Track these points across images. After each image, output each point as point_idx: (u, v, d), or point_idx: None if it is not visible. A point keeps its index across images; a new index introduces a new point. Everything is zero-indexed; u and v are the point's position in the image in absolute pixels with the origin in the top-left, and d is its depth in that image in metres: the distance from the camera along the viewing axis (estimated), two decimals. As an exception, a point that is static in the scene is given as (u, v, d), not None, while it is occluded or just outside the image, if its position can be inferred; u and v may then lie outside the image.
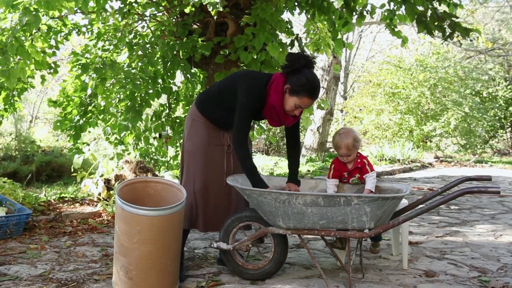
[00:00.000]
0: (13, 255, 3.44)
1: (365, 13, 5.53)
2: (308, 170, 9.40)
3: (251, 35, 4.75)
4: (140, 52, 4.94)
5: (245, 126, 2.88)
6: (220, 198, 3.07)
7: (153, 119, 5.66)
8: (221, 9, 5.00)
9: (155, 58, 5.02)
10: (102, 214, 4.81)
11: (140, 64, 5.02)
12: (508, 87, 16.34)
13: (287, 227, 2.71)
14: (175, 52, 4.99)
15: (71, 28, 5.70)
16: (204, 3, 5.02)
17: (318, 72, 11.64)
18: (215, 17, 5.30)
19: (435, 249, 3.64)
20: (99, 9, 4.87)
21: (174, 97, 5.69)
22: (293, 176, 3.14)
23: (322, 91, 11.38)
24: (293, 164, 3.16)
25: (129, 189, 2.73)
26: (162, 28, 5.40)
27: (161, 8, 5.47)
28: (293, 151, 3.19)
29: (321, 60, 11.69)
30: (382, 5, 5.42)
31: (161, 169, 6.35)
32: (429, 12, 4.52)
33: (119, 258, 2.59)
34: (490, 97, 16.40)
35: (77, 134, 5.57)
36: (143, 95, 5.03)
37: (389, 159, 11.67)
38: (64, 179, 9.25)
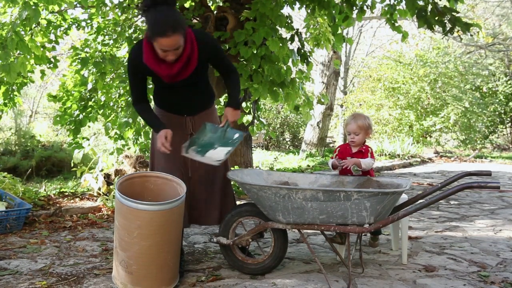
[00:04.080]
0: (13, 249, 3.45)
1: (365, 7, 5.53)
2: (308, 165, 9.39)
3: (251, 30, 4.74)
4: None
5: (131, 88, 2.87)
6: (193, 188, 2.91)
7: (153, 113, 5.64)
8: (221, 4, 4.99)
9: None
10: (102, 209, 4.81)
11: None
12: (508, 82, 16.32)
13: (287, 222, 2.72)
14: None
15: (70, 23, 5.69)
16: (204, -2, 5.02)
17: (318, 67, 11.61)
18: (215, 12, 5.29)
19: (435, 244, 3.65)
20: (98, 4, 4.87)
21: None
22: (232, 99, 2.88)
23: (322, 86, 11.35)
24: (232, 89, 2.91)
25: (129, 184, 2.73)
26: (162, 23, 5.38)
27: (161, 2, 5.45)
28: (229, 80, 2.94)
29: (321, 55, 11.66)
30: (383, 0, 5.41)
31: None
32: (430, 6, 4.51)
33: (119, 252, 2.59)
34: (490, 92, 16.39)
35: (77, 128, 5.57)
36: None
37: (389, 154, 11.67)
38: (64, 174, 9.26)
